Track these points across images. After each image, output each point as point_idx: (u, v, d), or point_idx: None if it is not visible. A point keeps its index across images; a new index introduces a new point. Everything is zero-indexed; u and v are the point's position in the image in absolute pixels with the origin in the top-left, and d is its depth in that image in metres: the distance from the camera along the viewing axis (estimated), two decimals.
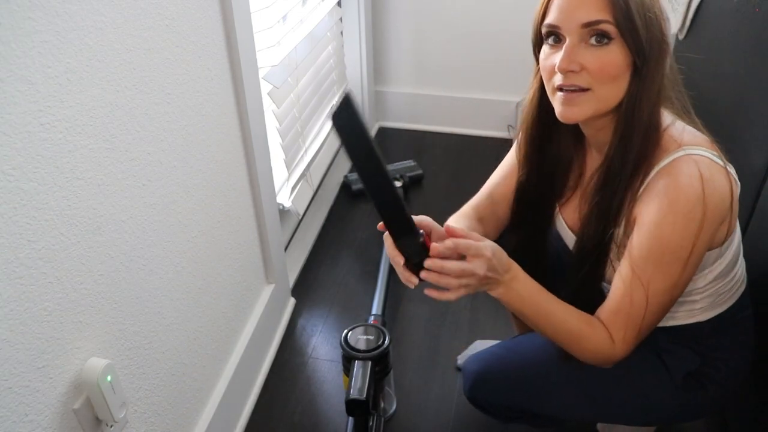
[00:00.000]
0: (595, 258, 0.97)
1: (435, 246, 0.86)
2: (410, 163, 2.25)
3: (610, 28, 0.84)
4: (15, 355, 0.74)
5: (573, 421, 1.25)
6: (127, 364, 0.97)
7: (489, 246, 0.89)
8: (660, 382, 1.02)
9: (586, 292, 1.00)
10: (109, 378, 0.87)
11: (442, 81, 2.47)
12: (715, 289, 0.97)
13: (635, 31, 0.84)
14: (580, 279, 1.00)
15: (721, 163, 0.88)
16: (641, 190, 0.90)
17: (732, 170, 0.89)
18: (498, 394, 1.12)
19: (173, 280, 1.08)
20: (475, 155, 2.40)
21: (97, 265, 0.87)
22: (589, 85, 0.87)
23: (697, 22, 1.61)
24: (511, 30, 2.29)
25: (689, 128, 0.91)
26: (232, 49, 1.21)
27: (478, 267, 0.87)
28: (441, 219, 2.27)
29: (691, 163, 0.86)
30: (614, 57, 0.86)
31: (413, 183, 2.20)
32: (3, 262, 0.71)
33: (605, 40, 0.85)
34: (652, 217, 0.87)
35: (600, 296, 0.99)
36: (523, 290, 0.93)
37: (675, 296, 0.92)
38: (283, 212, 1.75)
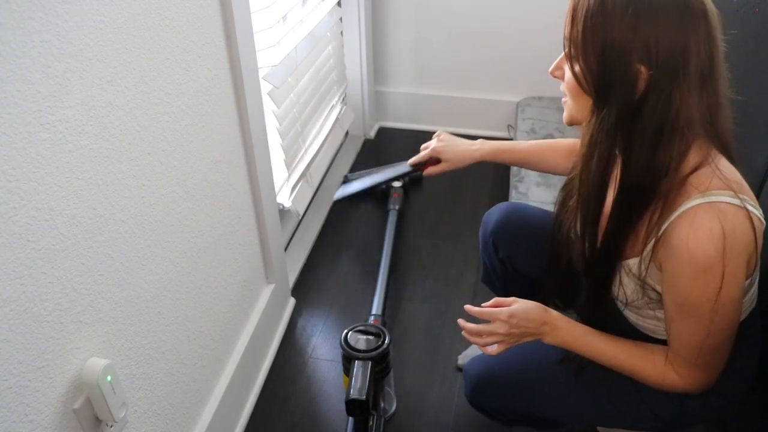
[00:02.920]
0: (601, 278, 0.98)
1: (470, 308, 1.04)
2: None
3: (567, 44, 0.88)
4: (15, 355, 0.74)
5: (575, 425, 1.25)
6: (127, 364, 0.97)
7: (506, 310, 1.01)
8: None
9: (595, 311, 1.02)
10: (109, 378, 0.87)
11: (442, 81, 2.47)
12: None
13: (581, 59, 0.86)
14: (586, 296, 1.02)
15: (751, 208, 0.84)
16: (663, 228, 0.87)
17: (758, 212, 0.86)
18: (499, 397, 1.12)
19: (173, 280, 1.08)
20: None
21: (97, 265, 0.87)
22: (564, 94, 0.93)
23: None
24: (511, 30, 2.29)
25: (724, 168, 0.87)
26: (232, 49, 1.21)
27: (497, 327, 1.01)
28: (440, 219, 2.26)
29: (712, 215, 0.82)
30: (570, 75, 0.89)
31: (413, 183, 2.19)
32: (3, 262, 0.71)
33: None
34: (673, 270, 0.87)
35: (610, 315, 1.01)
36: (568, 337, 1.01)
37: (720, 335, 0.90)
38: (283, 212, 1.75)
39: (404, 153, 2.40)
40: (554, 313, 1.03)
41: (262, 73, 1.45)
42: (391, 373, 1.37)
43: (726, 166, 0.89)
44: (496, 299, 1.05)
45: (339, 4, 2.11)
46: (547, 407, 1.09)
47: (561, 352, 1.04)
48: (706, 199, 0.83)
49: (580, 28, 0.84)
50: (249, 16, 1.26)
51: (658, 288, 0.93)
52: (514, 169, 1.94)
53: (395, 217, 1.96)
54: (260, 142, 1.37)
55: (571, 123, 0.95)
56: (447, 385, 1.51)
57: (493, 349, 1.04)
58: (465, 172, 2.35)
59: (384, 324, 1.48)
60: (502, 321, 1.01)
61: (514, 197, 1.79)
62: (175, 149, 1.05)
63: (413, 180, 2.19)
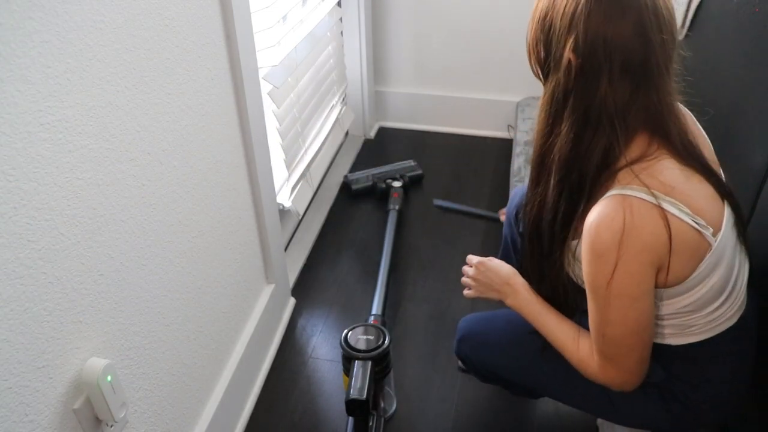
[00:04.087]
0: (548, 253, 1.02)
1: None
2: (410, 163, 2.25)
3: None
4: (15, 355, 0.74)
5: (547, 396, 1.26)
6: (127, 364, 0.97)
7: (479, 257, 1.18)
8: None
9: (550, 285, 1.06)
10: (109, 378, 0.88)
11: (442, 81, 2.47)
12: (682, 321, 0.95)
13: (535, 49, 0.93)
14: (539, 270, 1.07)
15: (671, 208, 0.84)
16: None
17: (689, 218, 0.85)
18: (476, 352, 1.20)
19: (173, 280, 1.08)
20: (475, 155, 2.40)
21: (97, 265, 0.87)
22: None
23: (696, 21, 1.61)
24: (511, 30, 2.29)
25: (656, 168, 0.88)
26: (232, 49, 1.21)
27: (468, 270, 1.20)
28: (440, 219, 2.26)
29: (619, 207, 0.85)
30: None
31: (413, 183, 2.20)
32: (3, 262, 0.71)
33: None
34: (582, 252, 0.92)
35: (564, 291, 1.05)
36: (522, 302, 1.10)
37: (618, 328, 0.91)
38: (283, 212, 1.75)
39: (404, 153, 2.43)
40: (521, 279, 1.11)
41: (262, 73, 1.45)
42: (391, 373, 1.37)
43: (662, 167, 0.88)
44: (490, 257, 1.18)
45: (339, 4, 2.11)
46: (512, 370, 1.16)
47: None
48: (622, 192, 0.87)
49: (536, 20, 0.92)
50: (249, 16, 1.26)
51: None
52: (514, 169, 1.94)
53: (395, 217, 1.96)
54: (260, 142, 1.37)
55: None
56: (447, 385, 1.51)
57: (467, 291, 1.21)
58: (464, 173, 2.36)
59: (384, 324, 1.49)
60: (473, 266, 1.18)
61: None
62: (175, 149, 1.05)
63: (413, 180, 2.20)
